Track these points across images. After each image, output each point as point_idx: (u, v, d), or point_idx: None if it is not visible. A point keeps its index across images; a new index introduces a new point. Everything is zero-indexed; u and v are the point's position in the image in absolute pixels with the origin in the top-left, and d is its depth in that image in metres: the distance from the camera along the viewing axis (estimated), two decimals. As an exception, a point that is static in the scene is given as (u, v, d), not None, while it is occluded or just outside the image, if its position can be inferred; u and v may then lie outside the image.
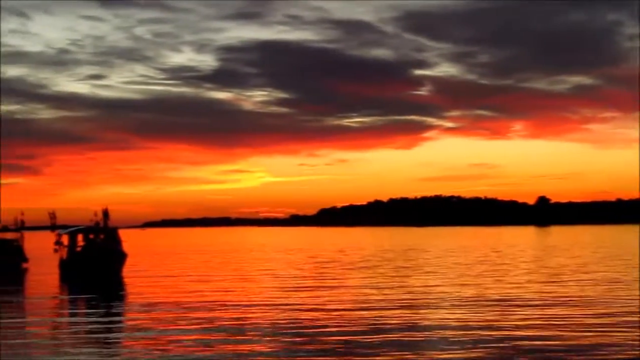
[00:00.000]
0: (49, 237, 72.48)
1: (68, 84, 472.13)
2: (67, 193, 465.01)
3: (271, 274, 60.11)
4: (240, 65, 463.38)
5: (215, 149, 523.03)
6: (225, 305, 37.24)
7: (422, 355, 22.73)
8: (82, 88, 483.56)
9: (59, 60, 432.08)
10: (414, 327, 28.34)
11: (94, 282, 54.98)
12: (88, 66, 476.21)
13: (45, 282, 55.83)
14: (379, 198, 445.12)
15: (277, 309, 35.22)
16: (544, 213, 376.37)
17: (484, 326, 28.40)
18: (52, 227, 71.74)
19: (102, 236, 65.59)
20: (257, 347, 24.30)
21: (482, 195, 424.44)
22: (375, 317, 31.67)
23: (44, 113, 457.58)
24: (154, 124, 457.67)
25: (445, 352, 23.11)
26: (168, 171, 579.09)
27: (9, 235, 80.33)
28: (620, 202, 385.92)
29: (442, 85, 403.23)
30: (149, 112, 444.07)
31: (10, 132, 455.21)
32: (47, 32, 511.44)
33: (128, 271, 63.02)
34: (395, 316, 31.75)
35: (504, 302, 36.69)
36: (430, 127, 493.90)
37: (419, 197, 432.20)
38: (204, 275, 59.08)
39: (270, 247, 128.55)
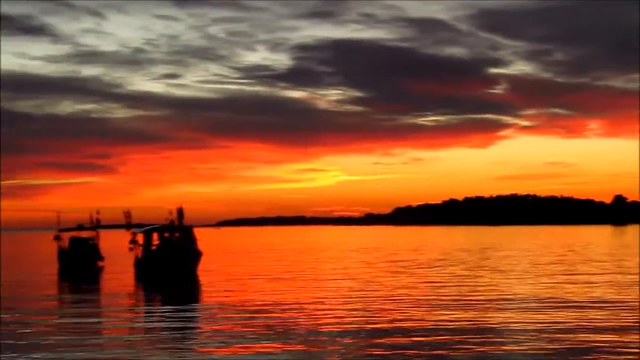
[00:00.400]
0: (124, 236, 72.94)
1: (143, 83, 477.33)
2: (142, 192, 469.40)
3: (346, 273, 59.71)
4: (315, 64, 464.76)
5: (290, 148, 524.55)
6: (299, 304, 37.03)
7: (495, 358, 22.15)
8: (156, 87, 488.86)
9: (134, 59, 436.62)
10: (486, 329, 27.66)
11: (169, 280, 55.14)
12: (162, 65, 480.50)
13: (120, 281, 56.14)
14: (454, 197, 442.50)
15: (351, 308, 34.83)
16: (621, 212, 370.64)
17: (560, 329, 27.65)
18: (128, 225, 72.15)
19: (177, 235, 65.75)
20: (330, 347, 23.96)
21: (558, 194, 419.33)
22: (448, 317, 31.13)
23: (119, 112, 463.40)
24: (229, 123, 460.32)
25: (519, 356, 22.51)
26: (243, 170, 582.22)
27: (84, 234, 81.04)
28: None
29: (518, 83, 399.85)
30: (223, 111, 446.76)
31: (85, 131, 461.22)
32: (122, 31, 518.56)
33: (203, 269, 63.15)
34: (469, 317, 31.15)
35: (581, 304, 35.86)
36: (505, 125, 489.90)
37: (494, 195, 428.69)
38: (279, 274, 58.90)
39: (345, 245, 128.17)
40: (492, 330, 27.33)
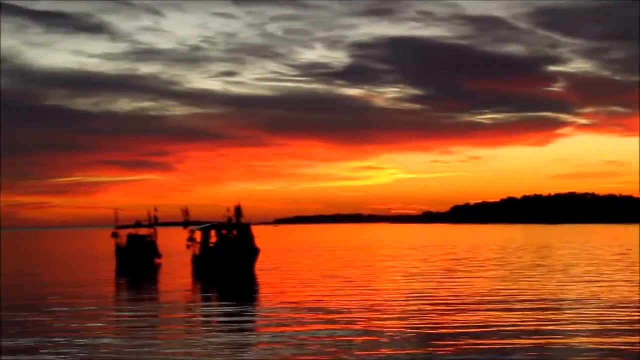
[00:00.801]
0: (181, 233, 73.08)
1: (200, 80, 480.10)
2: (199, 189, 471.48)
3: (404, 271, 59.26)
4: (372, 61, 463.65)
5: (347, 146, 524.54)
6: (357, 302, 36.73)
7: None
8: (214, 85, 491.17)
9: (191, 57, 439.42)
10: (544, 330, 26.96)
11: (226, 277, 55.05)
12: (220, 63, 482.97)
13: (178, 278, 56.18)
14: (512, 195, 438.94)
15: (410, 307, 34.44)
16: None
17: (621, 330, 27.05)
18: (185, 223, 72.21)
19: (234, 232, 65.69)
20: (388, 348, 23.64)
21: (616, 193, 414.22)
22: (505, 316, 30.61)
23: (177, 110, 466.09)
24: (286, 121, 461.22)
25: (583, 356, 21.98)
26: (300, 168, 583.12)
27: (142, 231, 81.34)
28: None
29: (576, 81, 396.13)
30: (280, 108, 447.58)
31: (143, 128, 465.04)
32: (180, 29, 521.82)
33: (260, 267, 63.06)
34: (525, 317, 30.50)
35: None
36: (563, 123, 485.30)
37: (552, 194, 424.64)
38: (336, 272, 58.61)
39: (402, 244, 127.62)
40: (545, 331, 26.78)
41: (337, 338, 25.16)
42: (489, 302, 35.82)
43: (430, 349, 23.07)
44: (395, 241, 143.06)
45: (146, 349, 23.50)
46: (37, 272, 65.84)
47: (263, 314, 33.10)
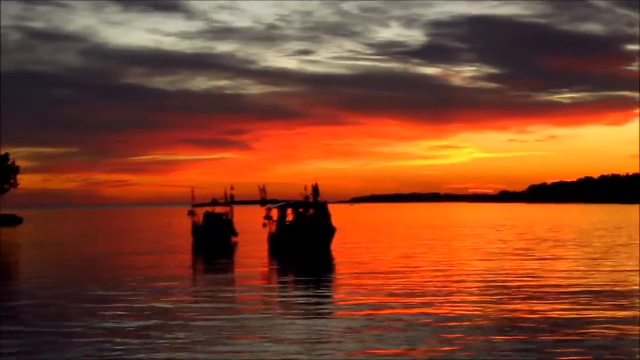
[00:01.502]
0: (257, 212, 72.91)
1: (276, 59, 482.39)
2: (275, 168, 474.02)
3: (481, 250, 58.38)
4: (449, 40, 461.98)
5: (424, 125, 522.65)
6: (434, 279, 36.16)
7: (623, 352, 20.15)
8: (290, 63, 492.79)
9: (268, 35, 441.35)
10: (619, 319, 25.52)
11: (303, 255, 54.69)
12: (296, 42, 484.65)
13: (255, 256, 55.98)
14: (589, 174, 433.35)
15: (488, 290, 33.70)
16: None
17: None
18: (262, 201, 72.02)
19: (311, 211, 65.38)
20: (463, 312, 22.96)
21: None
22: (581, 301, 29.62)
23: (253, 88, 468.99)
24: (363, 99, 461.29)
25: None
26: (377, 146, 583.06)
27: (218, 209, 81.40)
28: None
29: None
30: (357, 87, 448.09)
31: (219, 107, 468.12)
32: (256, 7, 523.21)
33: (337, 245, 62.67)
34: (599, 303, 29.34)
35: None
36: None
37: (630, 173, 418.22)
38: (413, 251, 57.96)
39: (480, 223, 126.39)
40: (619, 320, 25.82)
41: (414, 322, 24.55)
42: (563, 284, 34.90)
43: (512, 336, 22.22)
44: (472, 220, 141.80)
45: (223, 325, 23.17)
46: (116, 249, 66.19)
47: (339, 296, 32.54)
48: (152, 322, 24.50)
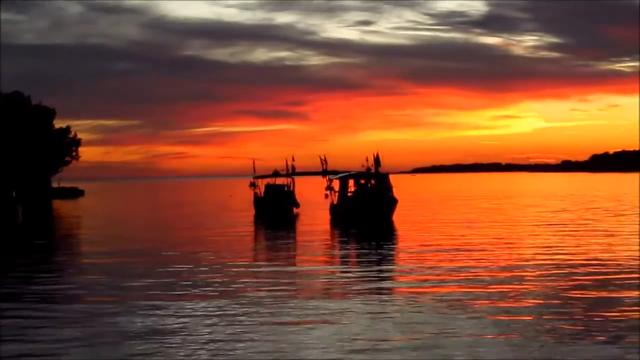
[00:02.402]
0: (319, 183, 72.88)
1: (337, 30, 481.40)
2: (336, 139, 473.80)
3: (543, 220, 57.77)
4: (511, 10, 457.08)
5: (486, 94, 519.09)
6: (495, 251, 35.89)
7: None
8: (351, 34, 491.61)
9: (328, 6, 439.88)
10: None
11: (364, 227, 54.56)
12: (357, 12, 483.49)
13: (317, 228, 55.97)
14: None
15: (553, 267, 33.30)
16: None
17: None
18: (323, 172, 72.05)
19: (373, 182, 65.25)
20: (525, 289, 22.69)
21: None
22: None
23: (313, 60, 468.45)
24: (423, 70, 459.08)
25: None
26: (438, 116, 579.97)
27: (280, 181, 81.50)
28: None
29: None
30: (418, 57, 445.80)
31: (279, 78, 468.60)
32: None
33: (398, 216, 62.45)
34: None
35: None
36: None
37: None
38: (473, 221, 57.59)
39: (542, 193, 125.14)
40: None
41: (476, 301, 24.34)
42: (621, 256, 34.37)
43: (576, 319, 21.80)
44: (535, 190, 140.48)
45: (280, 300, 23.16)
46: (178, 222, 66.59)
47: (400, 264, 32.46)
48: (211, 302, 24.55)
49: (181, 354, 16.50)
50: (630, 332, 17.90)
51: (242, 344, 17.23)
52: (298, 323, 19.44)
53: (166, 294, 24.54)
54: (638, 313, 20.20)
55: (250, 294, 24.28)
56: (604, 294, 23.46)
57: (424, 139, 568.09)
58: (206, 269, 31.24)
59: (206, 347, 17.04)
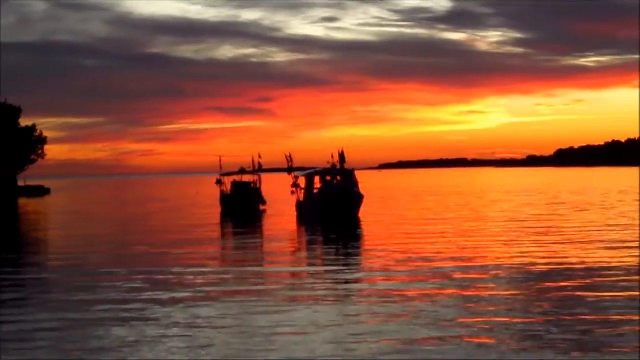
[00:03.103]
0: (285, 180, 72.43)
1: (302, 26, 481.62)
2: (302, 135, 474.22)
3: (509, 217, 57.45)
4: (475, 5, 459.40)
5: (451, 90, 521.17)
6: (462, 248, 35.41)
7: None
8: (316, 31, 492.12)
9: (293, 3, 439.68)
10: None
11: (331, 224, 54.15)
12: (322, 9, 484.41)
13: (283, 225, 55.72)
14: (616, 138, 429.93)
15: (512, 255, 32.89)
16: None
17: None
18: (289, 169, 71.62)
19: (339, 178, 64.96)
20: (490, 293, 22.18)
21: None
22: (605, 275, 28.80)
23: (279, 56, 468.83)
24: (389, 66, 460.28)
25: None
26: (404, 112, 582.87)
27: (246, 178, 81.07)
28: None
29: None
30: (383, 53, 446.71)
31: (246, 75, 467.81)
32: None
33: (365, 213, 62.09)
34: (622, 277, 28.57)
35: None
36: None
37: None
38: (442, 219, 57.16)
39: (507, 188, 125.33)
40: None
41: (444, 306, 23.85)
42: (588, 255, 34.07)
43: (547, 317, 21.34)
44: (500, 185, 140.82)
45: (252, 299, 22.58)
46: (143, 219, 66.11)
47: (366, 261, 31.90)
48: (173, 294, 23.94)
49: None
50: (600, 330, 17.48)
51: (203, 350, 16.63)
52: (266, 328, 18.81)
53: (126, 297, 23.89)
54: (604, 314, 19.80)
55: (214, 296, 23.67)
56: (576, 293, 23.02)
57: (390, 134, 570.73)
58: (171, 270, 30.48)
59: (171, 356, 16.39)
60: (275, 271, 30.02)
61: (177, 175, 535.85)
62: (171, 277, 28.07)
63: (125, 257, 35.71)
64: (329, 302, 22.12)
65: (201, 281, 26.87)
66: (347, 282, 26.25)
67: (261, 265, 32.27)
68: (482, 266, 29.44)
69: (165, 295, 23.73)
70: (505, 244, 37.43)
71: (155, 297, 23.53)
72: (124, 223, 61.50)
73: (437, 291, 23.55)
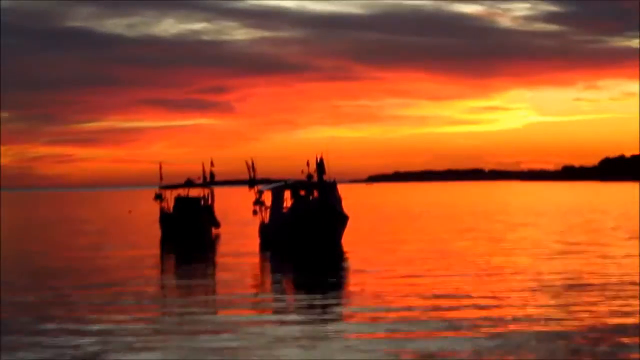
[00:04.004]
0: (246, 195, 72.64)
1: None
2: (268, 137, 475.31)
3: (544, 248, 57.60)
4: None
5: (463, 80, 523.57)
6: (476, 295, 35.28)
7: None
8: (286, 2, 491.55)
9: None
10: None
11: (305, 255, 54.29)
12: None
13: (243, 255, 55.64)
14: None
15: (550, 305, 33.15)
16: None
17: None
18: (251, 181, 71.78)
19: (316, 193, 65.09)
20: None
21: None
22: None
23: (238, 34, 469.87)
24: (382, 47, 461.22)
25: None
26: (401, 108, 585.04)
27: (195, 192, 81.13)
28: None
29: None
30: (373, 31, 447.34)
31: (194, 58, 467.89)
32: None
33: (349, 239, 62.35)
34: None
35: None
36: None
37: None
38: (450, 248, 57.30)
39: (537, 209, 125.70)
40: None
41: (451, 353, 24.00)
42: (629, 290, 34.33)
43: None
44: (528, 205, 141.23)
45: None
46: (58, 248, 65.93)
47: (351, 311, 31.97)
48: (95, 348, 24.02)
49: None
50: None
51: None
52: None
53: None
54: None
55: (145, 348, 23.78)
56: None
57: (383, 137, 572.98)
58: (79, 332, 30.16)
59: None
60: (223, 344, 29.33)
61: (103, 189, 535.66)
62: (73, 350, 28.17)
63: (10, 307, 34.71)
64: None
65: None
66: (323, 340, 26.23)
67: (206, 332, 32.32)
68: (501, 322, 29.70)
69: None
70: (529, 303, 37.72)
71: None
72: (23, 256, 60.92)
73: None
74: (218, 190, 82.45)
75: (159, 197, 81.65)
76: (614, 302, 31.64)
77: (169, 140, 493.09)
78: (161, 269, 51.09)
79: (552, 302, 31.83)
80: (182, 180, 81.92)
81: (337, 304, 33.34)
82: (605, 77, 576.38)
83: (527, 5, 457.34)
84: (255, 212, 68.33)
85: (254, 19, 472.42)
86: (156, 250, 62.11)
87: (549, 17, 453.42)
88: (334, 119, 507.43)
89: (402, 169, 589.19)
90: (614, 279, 38.46)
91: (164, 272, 48.97)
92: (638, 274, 40.00)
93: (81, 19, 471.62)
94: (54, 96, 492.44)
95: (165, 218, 79.28)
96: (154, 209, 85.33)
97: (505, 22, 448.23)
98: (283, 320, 29.31)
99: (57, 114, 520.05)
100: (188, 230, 74.97)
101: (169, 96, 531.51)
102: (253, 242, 64.23)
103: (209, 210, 78.85)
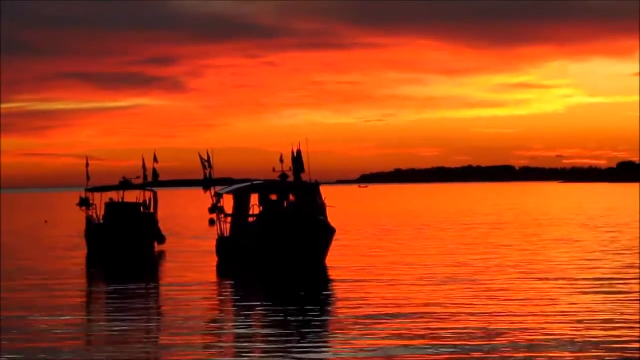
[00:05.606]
0: (200, 199, 73.02)
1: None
2: (229, 123, 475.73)
3: (584, 262, 58.13)
4: None
5: (485, 48, 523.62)
6: (498, 322, 35.88)
7: None
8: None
9: None
10: None
11: (277, 274, 54.66)
12: None
13: (195, 282, 55.60)
14: None
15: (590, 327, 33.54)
16: None
17: None
18: (206, 181, 71.96)
19: (292, 197, 65.36)
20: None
21: None
22: None
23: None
24: (377, 5, 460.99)
25: None
26: (403, 85, 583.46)
27: (132, 196, 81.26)
28: None
29: None
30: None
31: (131, 18, 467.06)
32: None
33: (335, 255, 62.67)
34: None
35: None
36: None
37: None
38: (464, 269, 57.59)
39: (582, 216, 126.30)
40: None
41: None
42: None
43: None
44: (570, 211, 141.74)
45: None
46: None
47: (333, 342, 32.36)
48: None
49: None
50: None
51: None
52: None
53: None
54: None
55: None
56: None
57: (380, 123, 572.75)
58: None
59: None
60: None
61: (10, 190, 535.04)
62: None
63: None
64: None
65: None
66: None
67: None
68: None
69: None
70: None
71: None
72: None
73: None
74: (163, 193, 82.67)
75: (84, 203, 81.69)
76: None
77: (97, 126, 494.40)
78: (85, 302, 50.57)
79: None
80: (115, 181, 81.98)
81: (315, 340, 33.63)
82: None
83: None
84: (212, 222, 68.57)
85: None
86: (79, 276, 61.75)
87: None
88: (314, 99, 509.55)
89: (405, 165, 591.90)
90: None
91: (87, 309, 48.10)
92: None
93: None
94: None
95: (92, 230, 79.32)
96: (78, 218, 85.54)
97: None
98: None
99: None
100: (122, 246, 75.01)
101: (99, 68, 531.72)
102: (208, 262, 64.49)
103: (150, 219, 78.85)
